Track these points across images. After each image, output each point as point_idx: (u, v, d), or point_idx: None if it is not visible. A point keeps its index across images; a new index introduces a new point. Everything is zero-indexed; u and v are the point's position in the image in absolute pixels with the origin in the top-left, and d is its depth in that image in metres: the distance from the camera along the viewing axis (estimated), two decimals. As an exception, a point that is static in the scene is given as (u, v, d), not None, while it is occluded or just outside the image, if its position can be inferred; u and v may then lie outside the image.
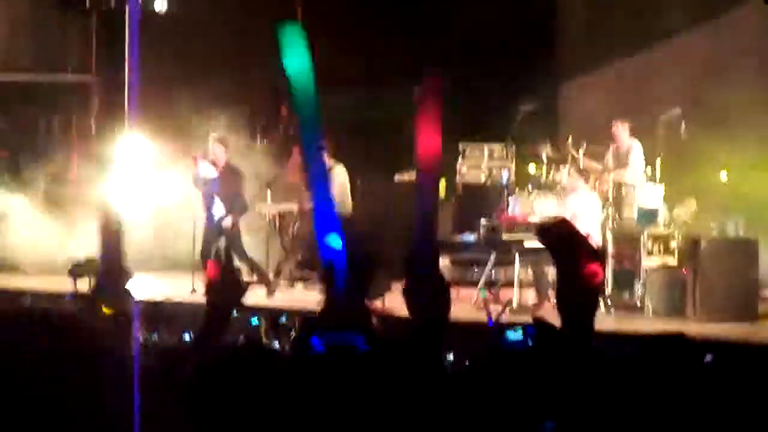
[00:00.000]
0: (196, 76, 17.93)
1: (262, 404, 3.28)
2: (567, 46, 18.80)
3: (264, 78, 18.28)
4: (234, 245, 14.43)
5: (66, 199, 17.35)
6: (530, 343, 4.00)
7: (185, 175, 15.64)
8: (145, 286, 13.81)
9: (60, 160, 18.69)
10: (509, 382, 3.70)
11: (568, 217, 13.88)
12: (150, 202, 17.03)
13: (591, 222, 13.83)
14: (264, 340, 10.41)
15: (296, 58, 4.77)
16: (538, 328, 4.05)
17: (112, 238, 17.76)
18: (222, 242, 14.51)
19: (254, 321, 11.91)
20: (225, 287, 4.39)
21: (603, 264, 4.20)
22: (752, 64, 16.47)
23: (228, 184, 15.26)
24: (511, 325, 4.38)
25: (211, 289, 4.45)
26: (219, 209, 15.13)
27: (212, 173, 15.23)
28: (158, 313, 12.44)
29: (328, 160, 15.90)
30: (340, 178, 15.83)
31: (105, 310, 4.15)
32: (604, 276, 4.23)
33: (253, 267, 15.32)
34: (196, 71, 17.99)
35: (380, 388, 3.70)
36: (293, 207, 16.42)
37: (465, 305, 13.77)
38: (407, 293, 4.65)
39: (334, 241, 5.19)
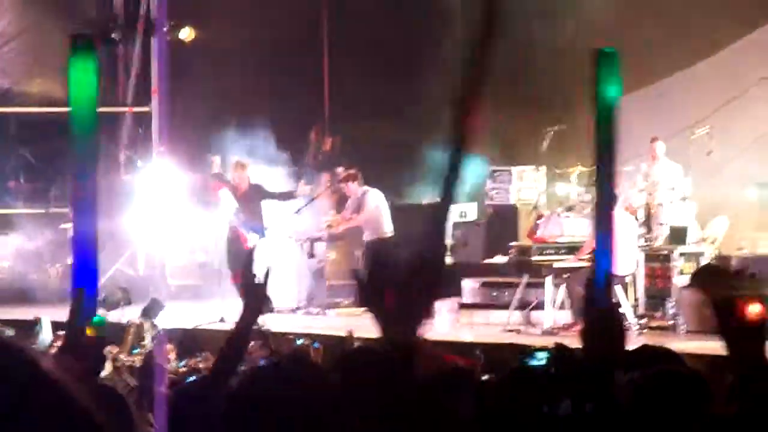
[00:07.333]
0: (226, 104, 17.96)
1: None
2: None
3: (293, 103, 18.32)
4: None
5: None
6: (549, 368, 3.93)
7: (214, 205, 15.64)
8: (177, 315, 13.81)
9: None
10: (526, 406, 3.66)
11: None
12: (180, 232, 17.08)
13: (627, 241, 13.71)
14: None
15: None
16: (557, 352, 3.97)
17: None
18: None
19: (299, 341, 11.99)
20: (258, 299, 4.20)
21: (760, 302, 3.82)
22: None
23: (253, 207, 15.25)
24: (538, 349, 4.27)
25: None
26: (254, 237, 15.01)
27: (233, 202, 15.18)
28: (190, 339, 12.44)
29: (361, 186, 15.88)
30: (375, 200, 15.79)
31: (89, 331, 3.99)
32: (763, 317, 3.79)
33: None
34: (226, 99, 18.01)
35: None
36: (324, 233, 16.42)
37: (496, 328, 13.74)
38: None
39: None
